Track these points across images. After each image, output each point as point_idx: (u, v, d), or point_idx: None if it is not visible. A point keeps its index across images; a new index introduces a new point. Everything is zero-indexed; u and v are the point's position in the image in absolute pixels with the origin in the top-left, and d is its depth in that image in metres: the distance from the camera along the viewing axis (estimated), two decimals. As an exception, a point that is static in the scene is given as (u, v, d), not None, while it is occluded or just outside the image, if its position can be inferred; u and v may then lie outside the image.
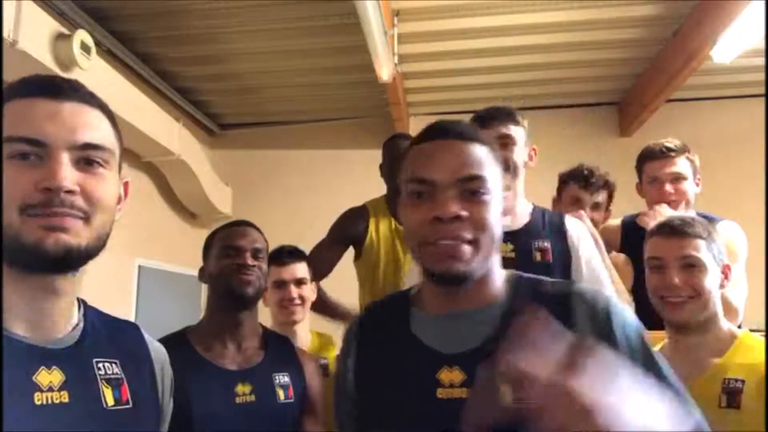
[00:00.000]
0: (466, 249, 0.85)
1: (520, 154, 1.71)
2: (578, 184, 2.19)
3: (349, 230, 2.29)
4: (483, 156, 0.90)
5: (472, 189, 0.87)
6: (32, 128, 0.76)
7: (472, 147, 0.90)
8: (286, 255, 1.98)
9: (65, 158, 0.76)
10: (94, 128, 0.81)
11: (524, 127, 1.74)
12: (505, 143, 1.68)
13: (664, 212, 1.95)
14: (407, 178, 0.91)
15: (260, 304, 1.61)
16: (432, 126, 0.94)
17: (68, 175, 0.76)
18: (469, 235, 0.85)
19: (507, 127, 1.70)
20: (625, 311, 0.90)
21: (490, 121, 1.71)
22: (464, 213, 0.85)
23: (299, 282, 1.98)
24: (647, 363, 0.83)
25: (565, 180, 2.27)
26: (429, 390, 0.86)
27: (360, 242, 2.26)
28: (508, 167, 1.68)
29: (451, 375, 0.86)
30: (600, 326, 0.85)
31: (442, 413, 0.84)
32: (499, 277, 0.94)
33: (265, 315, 1.77)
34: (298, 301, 1.96)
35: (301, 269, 1.99)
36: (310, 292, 2.02)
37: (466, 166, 0.88)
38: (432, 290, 0.93)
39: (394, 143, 2.33)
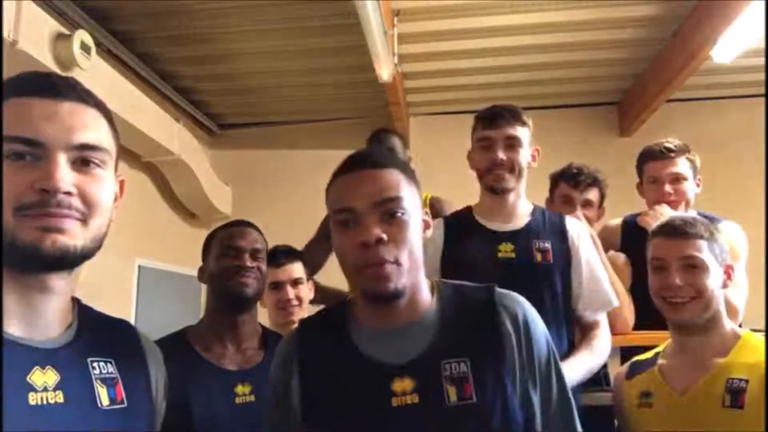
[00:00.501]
0: (393, 269, 0.93)
1: (524, 155, 1.69)
2: (568, 183, 2.19)
3: None
4: (398, 179, 0.98)
5: (390, 211, 0.95)
6: (29, 128, 0.75)
7: (386, 172, 0.98)
8: (281, 256, 1.95)
9: (62, 159, 0.76)
10: (91, 128, 0.80)
11: (529, 126, 1.71)
12: (511, 144, 1.66)
13: (665, 213, 1.94)
14: (332, 210, 0.99)
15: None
16: (348, 158, 1.02)
17: (65, 176, 0.75)
18: (391, 257, 0.93)
19: (514, 128, 1.67)
20: (539, 320, 1.01)
21: (496, 121, 1.68)
22: (384, 236, 0.92)
23: (296, 282, 1.96)
24: (554, 371, 0.98)
25: (555, 180, 2.27)
26: (385, 401, 0.92)
27: None
28: (514, 169, 1.67)
29: (403, 384, 0.93)
30: (519, 333, 0.96)
31: (397, 420, 0.92)
32: (426, 287, 1.02)
33: (262, 315, 1.76)
34: (295, 302, 1.93)
35: (297, 269, 1.97)
36: (306, 291, 2.00)
37: (383, 190, 0.95)
38: (368, 306, 1.00)
39: (378, 138, 2.32)
